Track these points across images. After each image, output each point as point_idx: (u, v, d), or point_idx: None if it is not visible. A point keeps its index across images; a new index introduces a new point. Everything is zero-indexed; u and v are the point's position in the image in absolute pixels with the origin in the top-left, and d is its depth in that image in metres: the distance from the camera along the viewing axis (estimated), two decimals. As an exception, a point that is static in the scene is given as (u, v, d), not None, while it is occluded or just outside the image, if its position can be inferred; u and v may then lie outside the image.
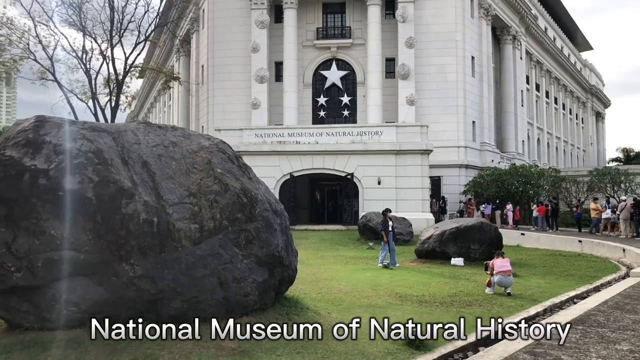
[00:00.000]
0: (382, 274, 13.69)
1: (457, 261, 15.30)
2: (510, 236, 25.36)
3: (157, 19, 36.89)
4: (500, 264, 11.30)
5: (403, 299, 10.05)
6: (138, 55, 36.31)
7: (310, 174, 30.31)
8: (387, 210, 16.25)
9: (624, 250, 18.52)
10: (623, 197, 25.82)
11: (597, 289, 11.98)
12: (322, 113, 38.07)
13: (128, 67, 36.13)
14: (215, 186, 6.93)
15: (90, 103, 35.97)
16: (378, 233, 23.24)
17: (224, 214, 6.79)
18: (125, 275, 6.27)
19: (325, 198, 34.93)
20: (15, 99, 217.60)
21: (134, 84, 62.88)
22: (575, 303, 10.34)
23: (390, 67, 37.61)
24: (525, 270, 14.57)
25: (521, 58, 47.94)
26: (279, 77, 37.94)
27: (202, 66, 40.27)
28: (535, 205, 29.22)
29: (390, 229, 15.64)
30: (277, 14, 38.43)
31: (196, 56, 42.62)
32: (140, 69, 38.18)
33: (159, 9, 35.74)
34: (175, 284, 6.41)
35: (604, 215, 25.35)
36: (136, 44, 36.16)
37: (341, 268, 14.93)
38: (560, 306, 10.03)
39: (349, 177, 28.45)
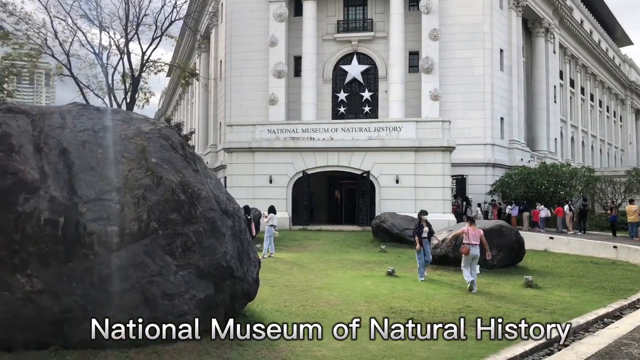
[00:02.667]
0: (385, 282, 12.23)
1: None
2: (538, 240, 23.51)
3: (175, 13, 36.12)
4: (473, 233, 11.61)
5: (397, 315, 8.59)
6: (154, 50, 35.64)
7: (328, 171, 28.97)
8: (422, 213, 13.66)
9: (665, 258, 16.57)
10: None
11: (632, 306, 10.27)
12: (342, 109, 36.61)
13: (145, 62, 35.45)
14: (146, 179, 5.64)
15: (107, 99, 35.49)
16: (392, 235, 21.85)
17: (153, 213, 5.49)
18: (21, 289, 5.05)
19: (343, 197, 33.49)
20: (54, 99, 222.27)
21: (161, 82, 62.49)
22: (605, 324, 8.70)
23: (413, 61, 35.90)
24: (549, 280, 12.88)
25: (554, 52, 45.41)
26: (297, 72, 36.67)
27: (220, 61, 39.36)
28: (541, 206, 27.29)
29: (425, 235, 13.37)
30: (296, 7, 37.16)
31: (215, 51, 41.77)
32: (157, 64, 37.40)
33: (175, 2, 34.87)
34: (85, 300, 5.15)
35: (642, 218, 23.19)
36: (153, 39, 35.48)
37: (341, 274, 13.52)
38: (587, 328, 8.41)
39: (364, 175, 26.95)
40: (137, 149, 5.91)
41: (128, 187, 5.57)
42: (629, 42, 78.84)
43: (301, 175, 27.11)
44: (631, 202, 26.05)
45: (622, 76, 69.07)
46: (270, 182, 27.03)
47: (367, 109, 36.37)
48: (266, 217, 18.09)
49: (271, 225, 17.88)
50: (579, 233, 25.38)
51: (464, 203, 30.71)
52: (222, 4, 39.23)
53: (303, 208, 27.16)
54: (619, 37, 73.72)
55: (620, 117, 71.07)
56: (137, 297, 5.32)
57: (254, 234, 17.49)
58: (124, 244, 5.33)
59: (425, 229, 13.42)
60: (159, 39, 35.13)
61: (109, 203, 5.43)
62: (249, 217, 17.17)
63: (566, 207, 26.62)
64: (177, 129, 6.83)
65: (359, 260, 16.61)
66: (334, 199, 34.06)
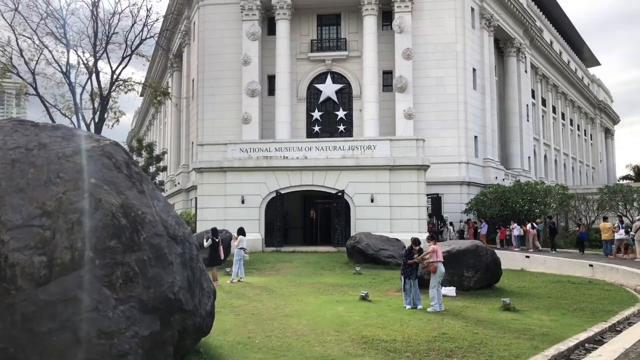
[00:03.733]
0: (357, 307, 11.65)
1: (448, 291, 13.21)
2: (513, 259, 23.27)
3: (146, 32, 35.43)
4: (440, 251, 11.56)
5: (368, 345, 8.01)
6: (123, 68, 34.83)
7: (303, 191, 28.44)
8: (416, 242, 12.13)
9: (641, 276, 16.37)
10: (639, 217, 23.59)
11: (613, 329, 9.88)
12: (316, 128, 36.29)
13: (114, 81, 34.64)
14: (83, 202, 5.02)
15: (75, 118, 34.47)
16: (367, 256, 21.30)
17: (89, 241, 4.87)
18: None
19: (318, 217, 32.91)
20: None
21: (133, 102, 61.46)
22: (586, 350, 8.26)
23: (387, 80, 35.88)
24: (527, 302, 12.47)
25: (526, 71, 46.06)
26: (271, 90, 36.30)
27: (193, 80, 38.78)
28: (514, 224, 27.28)
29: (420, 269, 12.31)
30: (269, 26, 36.97)
31: (187, 70, 41.20)
32: (128, 83, 36.57)
33: (146, 20, 34.25)
34: (6, 342, 4.46)
35: (616, 236, 23.16)
36: (123, 58, 34.76)
37: (313, 299, 12.90)
38: (568, 355, 7.96)
39: (339, 194, 26.47)
40: (74, 169, 5.30)
41: (61, 211, 4.95)
42: (596, 62, 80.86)
43: (274, 195, 26.48)
44: (605, 219, 26.10)
45: (591, 95, 70.59)
46: (243, 202, 26.35)
47: (341, 127, 36.12)
48: (236, 239, 17.42)
49: (241, 248, 17.22)
50: (552, 251, 25.37)
51: (440, 222, 30.42)
52: (194, 23, 38.80)
53: (276, 229, 26.48)
54: (587, 58, 75.57)
55: (591, 135, 72.44)
56: (67, 337, 4.66)
57: (222, 258, 16.76)
58: (54, 277, 4.69)
59: (416, 256, 12.05)
60: (128, 57, 34.42)
61: (37, 230, 4.79)
62: (217, 240, 16.49)
63: (529, 225, 26.64)
64: (124, 150, 6.21)
65: (333, 283, 16.01)
66: (310, 219, 33.44)
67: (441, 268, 11.76)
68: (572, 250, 26.03)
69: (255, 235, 25.83)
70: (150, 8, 34.21)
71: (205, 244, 16.71)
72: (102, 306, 4.86)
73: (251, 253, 24.50)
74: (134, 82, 37.32)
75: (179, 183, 40.81)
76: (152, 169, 53.31)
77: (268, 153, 27.05)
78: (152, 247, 5.25)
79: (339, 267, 20.39)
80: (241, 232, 17.60)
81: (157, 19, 35.65)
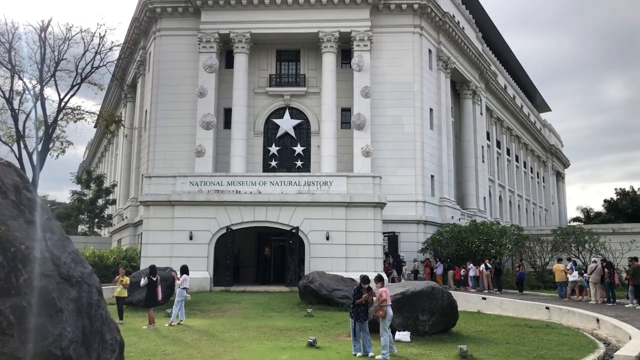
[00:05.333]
0: (304, 355, 10.65)
1: (402, 336, 12.38)
2: (470, 300, 22.75)
3: (99, 60, 34.20)
4: (389, 294, 11.02)
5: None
6: (71, 96, 33.34)
7: (258, 227, 27.36)
8: (365, 280, 11.22)
9: (597, 320, 15.99)
10: (594, 258, 23.61)
11: (575, 380, 9.24)
12: (273, 163, 35.53)
13: (61, 108, 33.13)
14: (-55, 234, 3.98)
15: (16, 147, 32.62)
16: (320, 296, 20.28)
17: (-55, 283, 3.81)
18: None
19: (273, 255, 31.76)
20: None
21: (85, 133, 59.32)
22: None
23: (346, 117, 35.68)
24: (485, 349, 11.75)
25: (481, 114, 47.02)
26: (227, 124, 35.47)
27: (146, 111, 37.57)
28: (470, 264, 27.10)
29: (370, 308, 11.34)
30: (228, 59, 36.44)
31: (141, 101, 39.97)
32: (76, 112, 35.02)
33: (98, 48, 33.13)
34: None
35: (570, 278, 23.09)
36: (72, 86, 33.41)
37: (256, 346, 11.80)
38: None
39: (294, 231, 25.53)
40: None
41: None
42: (547, 108, 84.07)
43: (225, 231, 25.30)
44: (559, 261, 26.14)
45: (543, 139, 72.89)
46: (191, 238, 25.02)
47: (299, 163, 35.49)
48: (178, 278, 16.17)
49: (183, 288, 15.98)
50: (497, 292, 25.25)
51: (395, 262, 29.78)
52: (150, 53, 37.90)
53: (225, 267, 25.19)
54: (539, 104, 78.47)
55: (543, 178, 74.41)
56: None
57: (160, 298, 15.46)
58: None
59: (364, 295, 11.11)
60: (78, 85, 33.09)
61: None
62: (154, 279, 15.23)
63: (482, 266, 26.45)
64: (18, 171, 5.17)
65: (281, 327, 14.92)
66: (264, 257, 32.20)
67: (389, 311, 10.98)
68: (538, 293, 25.88)
69: (203, 274, 24.47)
70: (104, 36, 32.94)
71: (142, 282, 15.44)
72: (-42, 367, 3.78)
73: (198, 293, 23.14)
74: (83, 110, 35.91)
75: (126, 217, 38.96)
76: (100, 201, 51.25)
77: (220, 187, 25.98)
78: (35, 291, 4.23)
79: (290, 309, 19.30)
80: (185, 270, 16.41)
81: (110, 48, 34.43)
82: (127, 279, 16.26)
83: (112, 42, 36.21)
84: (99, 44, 32.76)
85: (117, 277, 16.37)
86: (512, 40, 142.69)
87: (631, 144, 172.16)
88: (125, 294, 16.44)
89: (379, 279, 11.60)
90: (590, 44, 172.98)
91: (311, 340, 11.66)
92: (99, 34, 33.97)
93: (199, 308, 18.95)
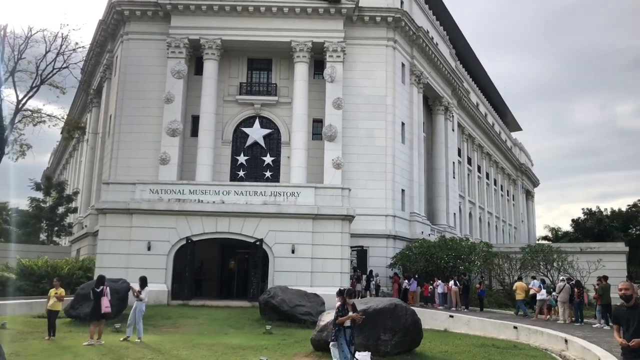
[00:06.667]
0: (252, 377, 9.74)
1: (362, 357, 11.47)
2: (437, 318, 22.14)
3: (62, 61, 32.81)
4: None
5: None
6: (30, 97, 31.81)
7: (223, 239, 26.33)
8: (350, 295, 10.16)
9: (566, 341, 15.47)
10: (562, 277, 23.27)
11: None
12: (241, 173, 34.56)
13: (18, 109, 31.58)
14: None
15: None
16: (281, 312, 19.31)
17: None
18: None
19: (237, 268, 30.66)
20: None
21: (45, 138, 57.27)
22: None
23: (317, 128, 35.04)
24: (448, 372, 11.03)
25: (453, 130, 46.97)
26: (194, 131, 34.39)
27: (110, 116, 36.26)
28: (438, 281, 26.64)
29: (349, 324, 9.97)
30: (197, 66, 35.51)
31: (105, 106, 38.66)
32: (35, 114, 33.46)
33: (60, 49, 31.76)
34: None
35: (539, 297, 22.74)
36: (32, 87, 31.92)
37: (203, 366, 10.84)
38: None
39: (257, 243, 24.57)
40: None
41: None
42: (518, 128, 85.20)
43: (185, 242, 24.18)
44: (519, 279, 25.96)
45: (514, 158, 73.61)
46: (149, 249, 23.81)
47: (268, 174, 34.61)
48: (140, 292, 14.84)
49: (140, 301, 14.79)
50: (464, 309, 24.77)
51: (364, 276, 29.03)
52: (117, 57, 36.73)
53: (185, 280, 24.04)
54: (510, 123, 79.38)
55: (513, 196, 74.99)
56: None
57: (105, 312, 14.27)
58: None
59: (350, 314, 9.82)
60: (37, 87, 31.62)
61: None
62: (98, 290, 14.11)
63: (451, 282, 25.99)
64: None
65: (235, 345, 13.96)
66: (228, 270, 31.12)
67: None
68: (495, 310, 25.34)
69: (160, 287, 23.26)
70: (67, 36, 31.62)
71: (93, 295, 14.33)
72: None
73: (155, 306, 21.94)
74: (43, 113, 34.36)
75: (86, 226, 37.37)
76: (61, 209, 49.25)
77: (181, 195, 24.91)
78: None
79: (249, 325, 18.34)
80: (145, 281, 15.22)
81: (74, 49, 33.06)
82: (61, 291, 15.01)
83: (77, 44, 34.73)
84: (62, 45, 31.46)
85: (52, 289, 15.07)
86: (485, 60, 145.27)
87: (598, 166, 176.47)
88: (59, 307, 15.18)
89: (340, 292, 10.78)
90: (561, 67, 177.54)
91: (262, 361, 10.76)
92: (62, 34, 32.61)
93: (152, 323, 17.81)
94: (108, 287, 14.75)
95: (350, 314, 9.73)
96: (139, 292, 14.80)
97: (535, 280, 25.70)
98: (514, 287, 24.61)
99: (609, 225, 52.19)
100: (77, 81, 37.33)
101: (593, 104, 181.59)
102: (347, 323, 9.78)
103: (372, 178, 33.49)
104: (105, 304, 14.00)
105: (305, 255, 24.62)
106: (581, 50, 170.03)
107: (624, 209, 61.32)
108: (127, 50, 35.16)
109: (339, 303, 10.16)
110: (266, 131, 35.16)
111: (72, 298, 19.11)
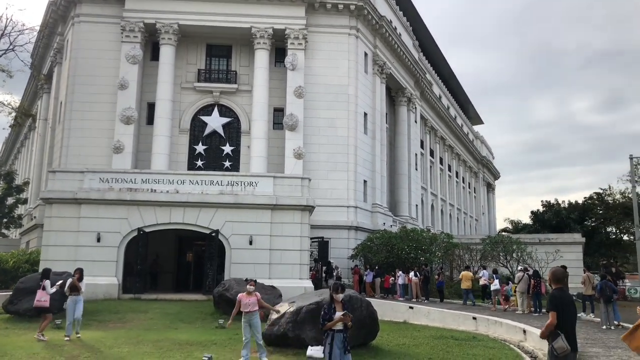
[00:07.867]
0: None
1: (315, 351, 10.85)
2: (397, 309, 21.81)
3: (8, 43, 31.01)
4: (246, 301, 10.46)
5: None
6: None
7: (178, 230, 25.31)
8: (337, 289, 8.31)
9: (524, 331, 15.27)
10: (520, 267, 23.31)
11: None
12: (199, 162, 33.46)
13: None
14: None
15: None
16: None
17: None
18: None
19: (194, 261, 29.67)
20: None
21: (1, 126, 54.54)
22: None
23: (278, 117, 34.21)
24: (404, 365, 10.56)
25: (416, 121, 46.91)
26: (150, 119, 33.07)
27: (61, 102, 34.53)
28: (399, 272, 26.47)
29: (340, 327, 8.06)
30: (153, 51, 34.12)
31: (56, 92, 36.82)
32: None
33: (4, 30, 30.00)
34: None
35: (492, 287, 22.82)
36: (-26, 70, 30.06)
37: (142, 364, 10.05)
38: None
39: (213, 234, 23.70)
40: None
41: None
42: (480, 121, 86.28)
43: (137, 233, 23.11)
44: (467, 268, 26.06)
45: (475, 151, 74.45)
46: (99, 240, 22.61)
47: (227, 163, 33.62)
48: (80, 286, 13.76)
49: (76, 294, 13.78)
50: (424, 300, 24.62)
51: (324, 268, 28.54)
52: (67, 40, 34.95)
53: (137, 273, 22.98)
54: (472, 116, 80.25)
55: (474, 188, 75.94)
56: None
57: (34, 305, 13.16)
58: None
59: (339, 314, 8.02)
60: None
61: None
62: (41, 283, 13.08)
63: (412, 273, 25.81)
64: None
65: (183, 340, 13.17)
66: (185, 262, 30.11)
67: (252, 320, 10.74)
68: (455, 301, 25.24)
69: (110, 280, 22.18)
70: (11, 17, 29.89)
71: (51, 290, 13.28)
72: None
73: (104, 300, 20.91)
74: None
75: (35, 217, 35.59)
76: (10, 200, 46.93)
77: (133, 185, 23.76)
78: None
79: (202, 320, 17.53)
80: (82, 273, 14.15)
81: (21, 31, 31.35)
82: None
83: (24, 25, 32.90)
84: (6, 25, 29.70)
85: None
86: (448, 55, 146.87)
87: (556, 161, 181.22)
88: None
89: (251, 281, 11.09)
90: (521, 63, 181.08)
91: (206, 358, 10.03)
92: (6, 15, 30.83)
93: (98, 318, 16.83)
94: (48, 281, 13.72)
95: (338, 314, 7.98)
96: (78, 288, 13.65)
97: (484, 270, 25.87)
98: (460, 276, 24.71)
99: (566, 217, 53.20)
100: (25, 65, 35.48)
101: (551, 100, 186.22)
102: (339, 326, 8.01)
103: (334, 169, 32.96)
104: (40, 297, 12.95)
105: (264, 246, 23.90)
106: (541, 47, 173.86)
107: (580, 201, 62.70)
108: (79, 33, 33.45)
109: (325, 304, 8.54)
110: (225, 120, 34.14)
111: (11, 293, 17.90)
